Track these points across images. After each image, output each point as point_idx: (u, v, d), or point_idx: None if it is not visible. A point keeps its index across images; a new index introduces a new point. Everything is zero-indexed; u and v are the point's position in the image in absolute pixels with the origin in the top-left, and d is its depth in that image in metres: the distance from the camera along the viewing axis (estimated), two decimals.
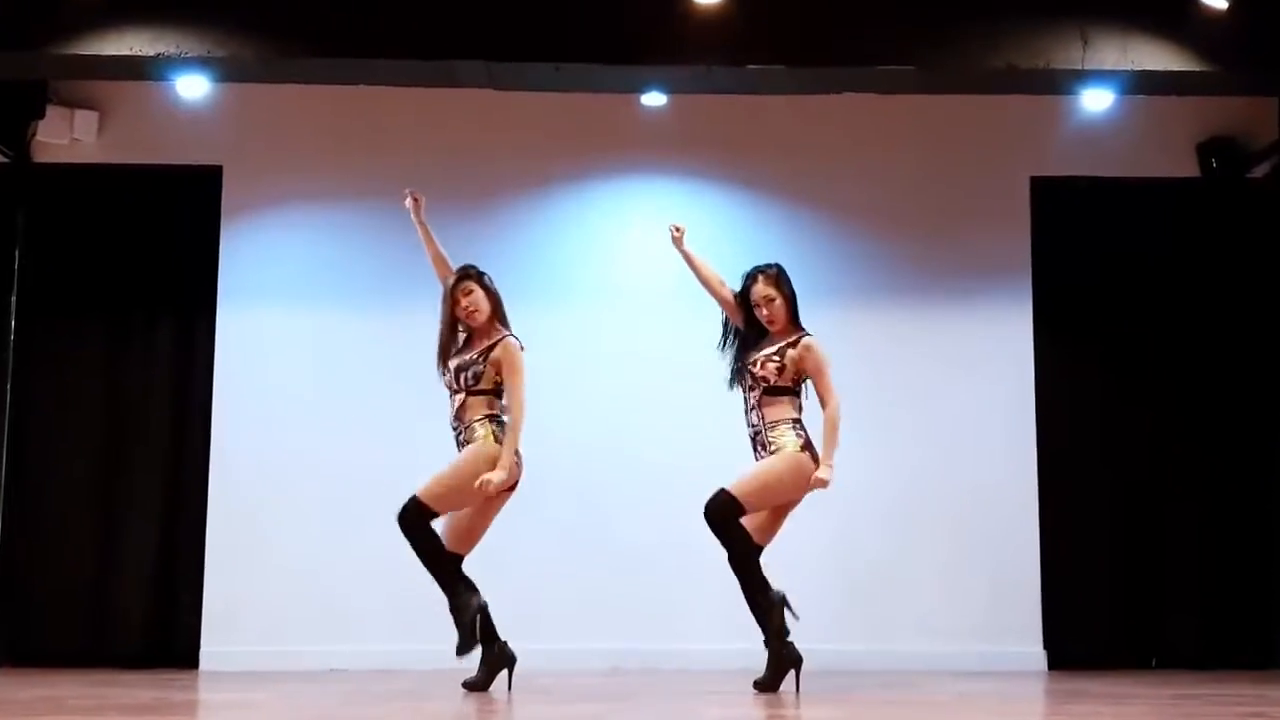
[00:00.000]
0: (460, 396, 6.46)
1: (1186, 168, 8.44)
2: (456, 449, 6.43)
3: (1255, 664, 8.04)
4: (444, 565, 6.37)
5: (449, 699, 6.19)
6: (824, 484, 6.30)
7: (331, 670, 7.72)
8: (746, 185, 8.47)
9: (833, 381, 6.40)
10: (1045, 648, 8.13)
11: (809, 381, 6.49)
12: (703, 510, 6.27)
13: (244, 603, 8.01)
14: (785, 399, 6.42)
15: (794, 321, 6.54)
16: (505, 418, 6.45)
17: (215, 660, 7.93)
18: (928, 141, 8.50)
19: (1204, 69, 7.14)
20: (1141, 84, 7.41)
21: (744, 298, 6.56)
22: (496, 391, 6.51)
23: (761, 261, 6.58)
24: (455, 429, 6.47)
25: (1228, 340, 8.41)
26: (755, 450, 6.44)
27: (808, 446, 6.36)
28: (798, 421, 6.43)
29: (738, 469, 6.37)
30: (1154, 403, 8.40)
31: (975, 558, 8.17)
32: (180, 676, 7.51)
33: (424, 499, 6.33)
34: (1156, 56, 7.14)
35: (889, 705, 5.99)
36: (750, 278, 6.55)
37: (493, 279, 6.58)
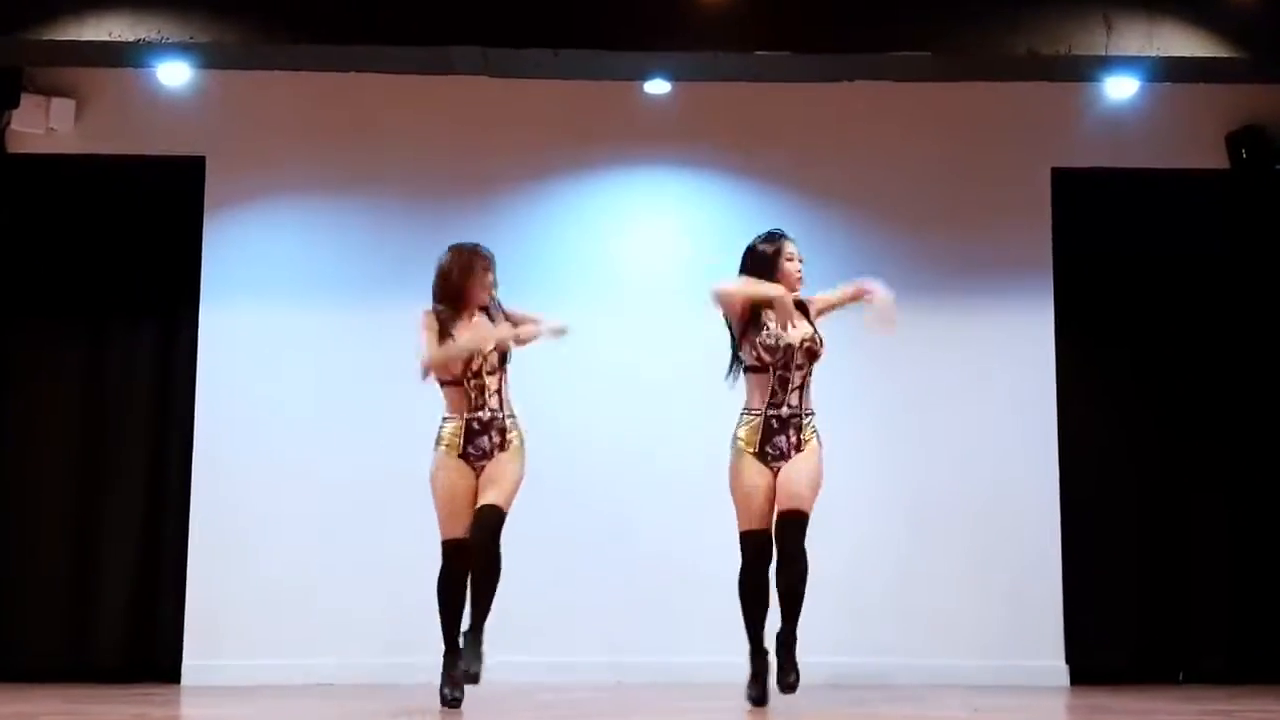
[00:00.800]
0: (497, 377, 6.46)
1: (1215, 159, 8.35)
2: (481, 432, 6.39)
3: None
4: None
5: (437, 715, 6.19)
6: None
7: (317, 685, 7.67)
8: (753, 177, 8.40)
9: None
10: (1067, 662, 8.06)
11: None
12: (798, 529, 6.26)
13: (228, 615, 7.94)
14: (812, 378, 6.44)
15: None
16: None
17: (198, 675, 7.87)
18: (944, 131, 8.42)
19: (1233, 55, 7.12)
20: (1168, 71, 7.40)
21: (771, 254, 6.44)
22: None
23: None
24: (493, 413, 6.41)
25: (1258, 338, 8.33)
26: (784, 433, 6.31)
27: (819, 437, 6.40)
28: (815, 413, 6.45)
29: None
30: (1181, 404, 8.32)
31: (994, 566, 8.10)
32: (162, 691, 7.48)
33: (507, 509, 6.34)
34: (1183, 42, 7.10)
35: None
36: (779, 235, 6.50)
37: None
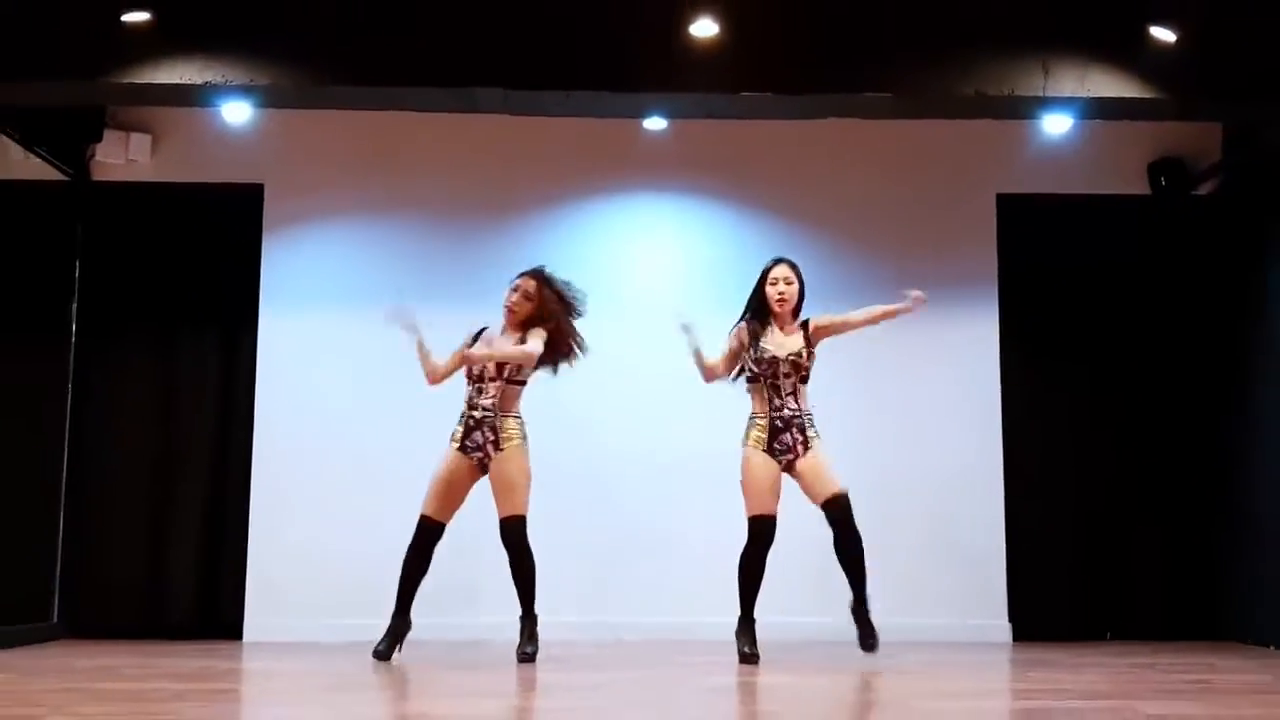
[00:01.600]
0: (498, 385, 6.58)
1: (1139, 185, 8.50)
2: (475, 428, 6.54)
3: (1207, 636, 8.09)
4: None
5: (467, 668, 6.34)
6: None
7: (363, 641, 7.75)
8: (739, 203, 8.52)
9: None
10: (1010, 621, 8.19)
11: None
12: (842, 509, 6.51)
13: (284, 580, 8.05)
14: (807, 387, 6.70)
15: (797, 314, 6.78)
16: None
17: (258, 632, 7.99)
18: (903, 162, 8.55)
19: (1154, 96, 7.17)
20: (1097, 110, 7.43)
21: (761, 280, 6.77)
22: (523, 383, 6.64)
23: (758, 272, 6.75)
24: (487, 413, 6.56)
25: (1176, 340, 8.43)
26: (789, 432, 6.58)
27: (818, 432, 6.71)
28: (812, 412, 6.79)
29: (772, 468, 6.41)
30: (1111, 399, 8.42)
31: (947, 541, 8.20)
32: (225, 647, 7.60)
33: (525, 511, 6.54)
34: (1111, 84, 7.16)
35: (869, 674, 6.12)
36: (774, 262, 6.83)
37: (555, 286, 6.83)
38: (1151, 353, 8.46)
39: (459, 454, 6.62)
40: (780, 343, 6.71)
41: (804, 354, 6.68)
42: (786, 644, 6.91)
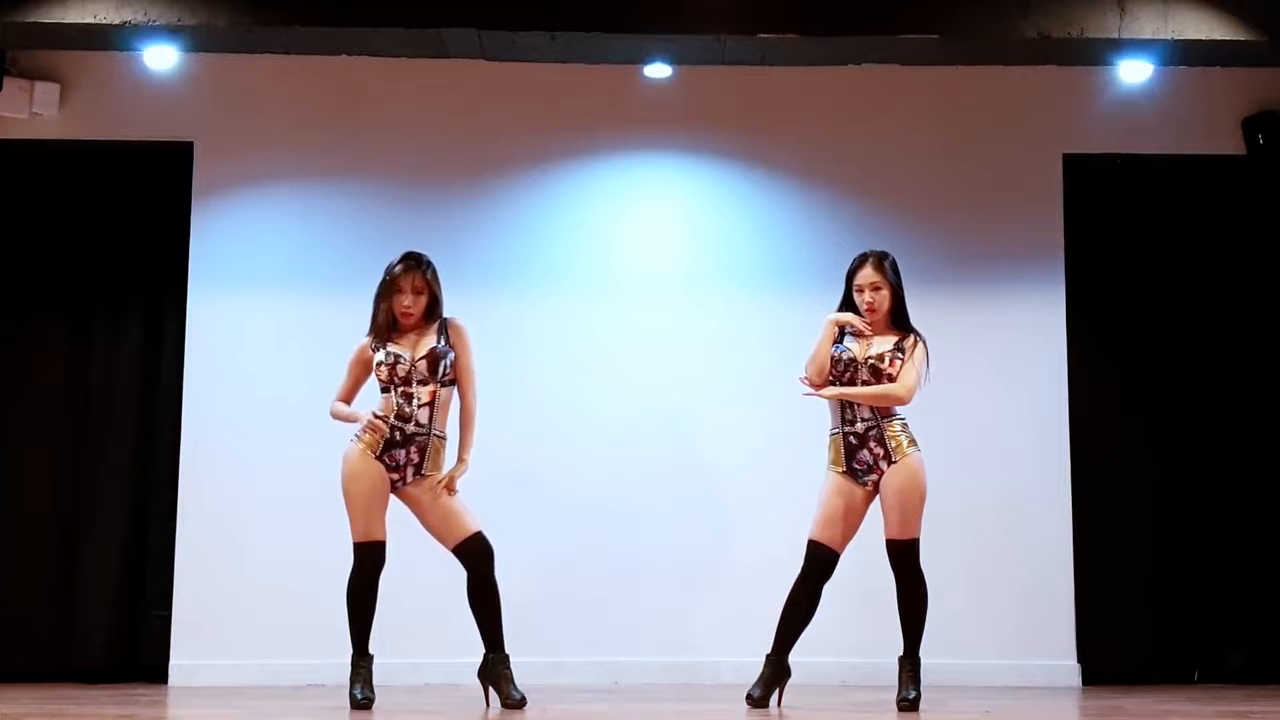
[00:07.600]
0: (430, 389, 6.43)
1: (1231, 144, 8.35)
2: (401, 445, 6.41)
3: None
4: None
5: (428, 715, 6.27)
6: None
7: (309, 685, 7.70)
8: (758, 164, 8.43)
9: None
10: (1079, 661, 8.09)
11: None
12: (899, 558, 6.57)
13: (217, 614, 7.97)
14: None
15: (900, 320, 6.65)
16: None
17: (186, 674, 7.90)
18: (952, 116, 8.44)
19: (1250, 38, 7.15)
20: (1183, 54, 7.43)
21: (847, 285, 6.64)
22: (454, 382, 6.56)
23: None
24: (421, 428, 6.41)
25: (1275, 327, 8.37)
26: (865, 448, 6.50)
27: (914, 441, 6.56)
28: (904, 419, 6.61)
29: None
30: (1197, 396, 8.35)
31: (1004, 565, 8.13)
32: (148, 692, 7.50)
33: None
34: (1199, 24, 7.14)
35: None
36: (859, 260, 6.66)
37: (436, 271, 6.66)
38: (1248, 342, 8.36)
39: (376, 463, 6.43)
40: (866, 341, 6.58)
41: (888, 358, 6.52)
42: (816, 687, 6.82)
